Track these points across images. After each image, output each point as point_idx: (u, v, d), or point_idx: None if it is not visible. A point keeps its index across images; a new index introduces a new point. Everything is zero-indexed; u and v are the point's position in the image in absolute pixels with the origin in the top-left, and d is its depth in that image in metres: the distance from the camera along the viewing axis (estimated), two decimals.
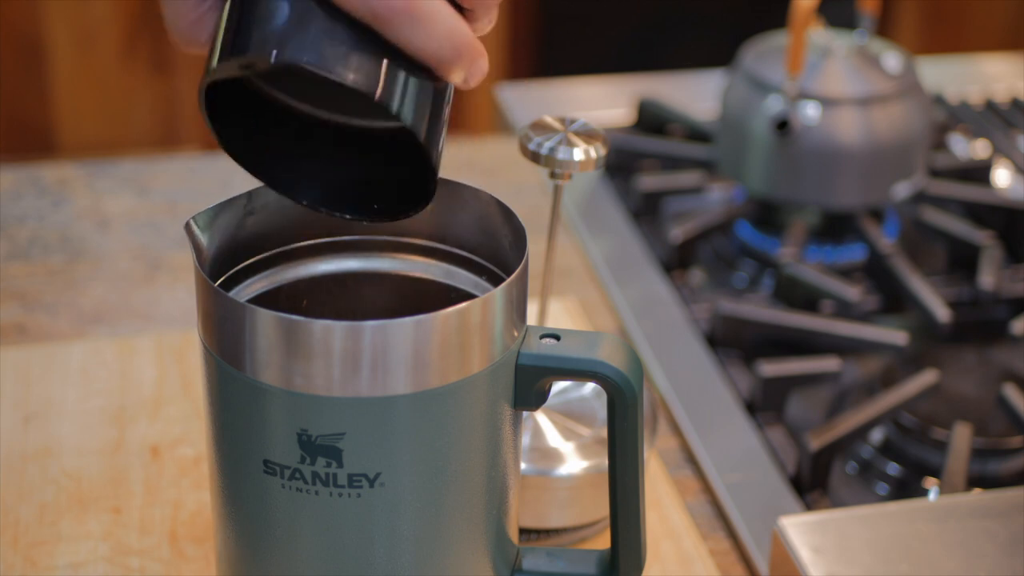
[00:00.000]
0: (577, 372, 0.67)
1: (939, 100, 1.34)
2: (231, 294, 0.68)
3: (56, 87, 2.30)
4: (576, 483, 0.82)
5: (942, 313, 1.05)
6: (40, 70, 2.28)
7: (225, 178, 1.22)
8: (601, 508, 0.84)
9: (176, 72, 2.35)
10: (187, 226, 0.66)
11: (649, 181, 1.21)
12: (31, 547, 0.83)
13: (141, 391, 0.95)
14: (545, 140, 0.76)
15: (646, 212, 1.20)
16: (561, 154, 0.75)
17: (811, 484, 0.91)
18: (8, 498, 0.86)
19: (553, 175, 0.76)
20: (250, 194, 0.69)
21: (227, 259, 0.69)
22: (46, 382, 0.95)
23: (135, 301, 1.07)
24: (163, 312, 1.06)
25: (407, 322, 0.62)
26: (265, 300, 0.71)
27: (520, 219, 0.68)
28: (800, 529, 0.80)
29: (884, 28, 2.45)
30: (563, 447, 0.83)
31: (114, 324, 1.04)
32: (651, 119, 1.31)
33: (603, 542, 0.84)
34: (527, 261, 0.66)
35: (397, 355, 0.63)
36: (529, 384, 0.67)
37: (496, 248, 0.70)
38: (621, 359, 0.68)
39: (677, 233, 1.13)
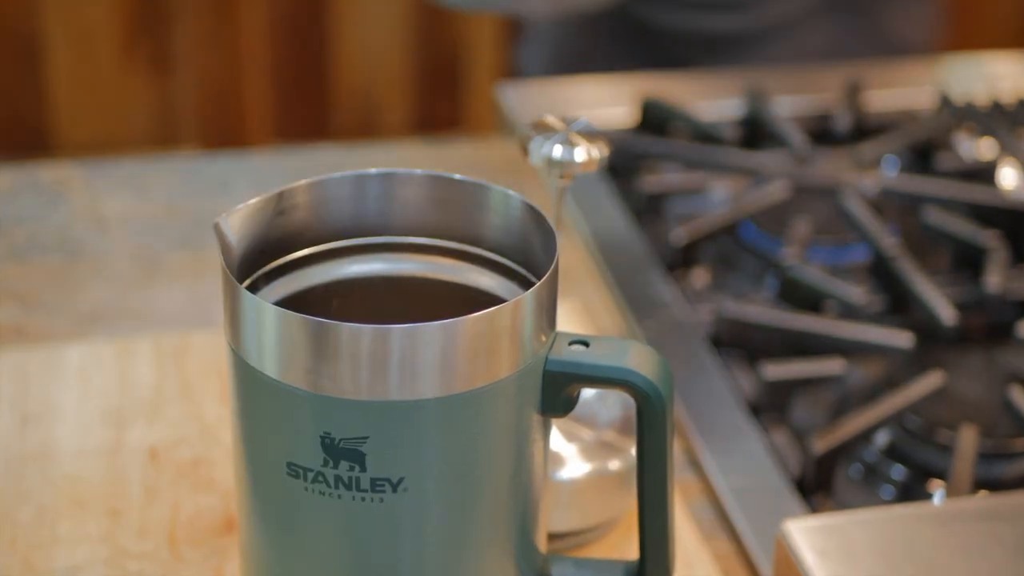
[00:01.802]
0: (605, 380, 0.67)
1: (944, 99, 1.34)
2: (258, 295, 0.69)
3: (54, 86, 2.30)
4: (578, 486, 0.82)
5: (947, 315, 1.05)
6: (37, 69, 2.29)
7: (224, 178, 1.22)
8: (604, 511, 0.84)
9: (175, 71, 2.35)
10: (216, 225, 0.66)
11: (652, 181, 1.21)
12: (29, 549, 0.83)
13: (139, 393, 0.95)
14: (546, 140, 0.76)
15: (649, 212, 1.20)
16: (563, 154, 0.75)
17: (815, 487, 0.91)
18: (5, 500, 0.86)
19: (554, 176, 0.76)
20: (280, 194, 0.69)
21: (255, 260, 0.69)
22: (44, 384, 0.95)
23: (134, 302, 1.07)
24: (162, 313, 1.06)
25: (435, 326, 0.62)
26: (293, 302, 0.71)
27: (551, 222, 0.68)
28: (804, 532, 0.80)
29: None
30: (565, 450, 0.83)
31: (112, 325, 1.04)
32: (655, 119, 1.31)
33: (606, 546, 0.85)
34: (557, 265, 0.66)
35: (425, 359, 0.63)
36: (557, 390, 0.67)
37: (526, 251, 0.70)
38: (651, 368, 0.68)
39: (680, 234, 1.13)
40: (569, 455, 0.83)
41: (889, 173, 1.26)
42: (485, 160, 1.27)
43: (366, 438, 0.64)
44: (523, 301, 0.64)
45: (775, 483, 0.91)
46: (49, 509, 0.86)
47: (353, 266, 0.73)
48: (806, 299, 1.07)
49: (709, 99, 1.35)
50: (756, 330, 1.03)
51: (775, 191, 1.18)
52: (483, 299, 0.72)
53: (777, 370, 0.98)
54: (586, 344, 0.68)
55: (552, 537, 0.83)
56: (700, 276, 1.13)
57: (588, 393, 0.85)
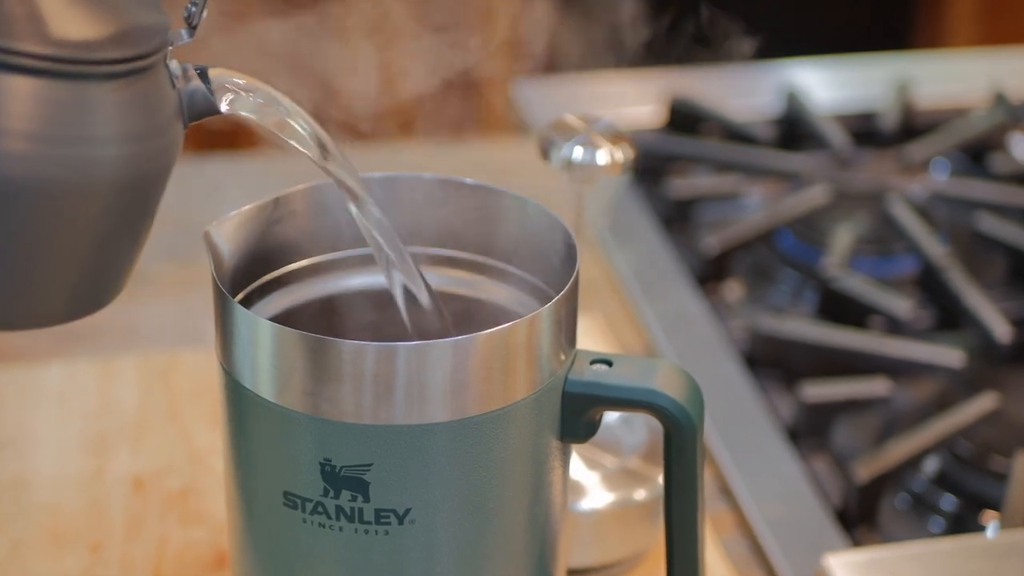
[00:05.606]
0: (630, 402, 0.67)
1: (999, 97, 1.34)
2: (252, 310, 0.68)
3: None
4: (600, 518, 0.82)
5: (1002, 331, 1.04)
6: None
7: (216, 183, 1.23)
8: (628, 545, 0.84)
9: None
10: (206, 234, 0.66)
11: (681, 186, 1.21)
12: None
13: (123, 416, 0.95)
14: (566, 141, 0.76)
15: (678, 220, 1.20)
16: (584, 157, 0.75)
17: (859, 518, 0.91)
18: None
19: (575, 180, 0.76)
20: (276, 200, 0.69)
21: (249, 271, 0.69)
22: (20, 406, 0.95)
23: (117, 318, 1.07)
24: (148, 330, 1.06)
25: (445, 343, 0.62)
26: (290, 317, 0.71)
27: (572, 232, 0.68)
28: (847, 568, 0.80)
29: (937, 18, 2.45)
30: (586, 478, 0.83)
31: (94, 343, 1.04)
32: (683, 118, 1.31)
33: None
34: (577, 277, 0.66)
35: (434, 380, 0.62)
36: (577, 414, 0.67)
37: (543, 262, 0.70)
38: (679, 389, 0.67)
39: (712, 243, 1.13)
40: (591, 484, 0.83)
41: (939, 176, 1.25)
42: (499, 163, 1.28)
43: (370, 465, 0.63)
44: (540, 316, 0.64)
45: (815, 514, 0.91)
46: (24, 543, 0.86)
47: (355, 279, 0.73)
48: (849, 314, 1.07)
49: (743, 96, 1.36)
50: (794, 348, 1.03)
51: (815, 196, 1.18)
52: (497, 314, 0.72)
53: (817, 391, 0.98)
54: (609, 363, 0.67)
55: (572, 573, 0.83)
56: (733, 289, 1.13)
57: (611, 417, 0.85)
